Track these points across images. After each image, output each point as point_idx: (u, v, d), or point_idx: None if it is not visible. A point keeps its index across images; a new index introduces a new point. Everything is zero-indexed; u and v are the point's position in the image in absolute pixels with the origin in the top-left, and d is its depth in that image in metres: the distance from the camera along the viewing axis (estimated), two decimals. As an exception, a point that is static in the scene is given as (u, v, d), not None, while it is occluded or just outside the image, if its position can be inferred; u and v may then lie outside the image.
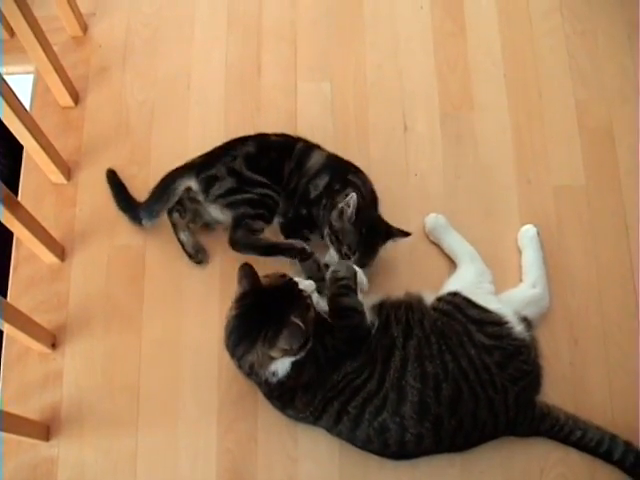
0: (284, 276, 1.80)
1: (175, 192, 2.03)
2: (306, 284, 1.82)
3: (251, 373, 1.80)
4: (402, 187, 2.20)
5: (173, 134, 2.26)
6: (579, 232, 2.15)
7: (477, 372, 1.81)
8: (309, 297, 1.79)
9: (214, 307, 2.04)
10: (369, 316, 1.86)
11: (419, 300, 1.93)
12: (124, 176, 2.19)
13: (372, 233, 1.96)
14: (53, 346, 2.04)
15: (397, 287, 2.00)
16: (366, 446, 1.85)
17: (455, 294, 1.93)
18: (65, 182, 2.20)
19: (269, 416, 1.94)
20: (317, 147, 2.10)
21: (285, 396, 1.84)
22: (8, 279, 2.12)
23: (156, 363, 2.02)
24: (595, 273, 2.11)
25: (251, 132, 2.22)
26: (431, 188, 2.19)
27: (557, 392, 1.97)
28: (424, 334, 1.84)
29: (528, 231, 2.08)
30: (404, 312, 1.89)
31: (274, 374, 1.78)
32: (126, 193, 2.13)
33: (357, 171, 2.08)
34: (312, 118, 2.27)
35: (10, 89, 1.86)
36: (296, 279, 1.80)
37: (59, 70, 2.19)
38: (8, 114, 1.88)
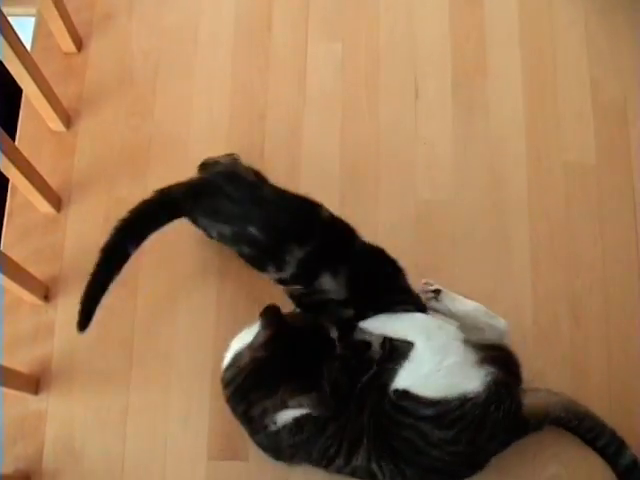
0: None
1: None
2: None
3: (254, 419, 1.72)
4: (410, 154, 2.15)
5: (178, 87, 2.20)
6: (587, 210, 2.12)
7: (446, 462, 1.66)
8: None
9: (212, 267, 2.01)
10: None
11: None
12: (125, 128, 2.14)
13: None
14: (46, 298, 1.99)
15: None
16: None
17: (404, 394, 1.64)
18: (64, 130, 2.14)
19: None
20: None
21: (271, 446, 1.78)
22: (2, 227, 2.06)
23: (151, 321, 1.98)
24: (600, 253, 2.08)
25: (257, 89, 2.20)
26: (440, 157, 2.14)
27: (556, 371, 1.95)
28: (380, 438, 1.68)
29: None
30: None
31: (275, 423, 1.69)
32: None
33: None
34: (321, 79, 2.21)
35: (12, 29, 1.79)
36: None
37: (63, 14, 2.11)
38: (9, 55, 1.81)
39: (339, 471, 1.74)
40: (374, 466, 1.68)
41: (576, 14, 2.32)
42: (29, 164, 1.91)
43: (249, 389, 1.70)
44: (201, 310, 1.99)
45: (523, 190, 2.12)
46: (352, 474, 1.74)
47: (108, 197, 2.07)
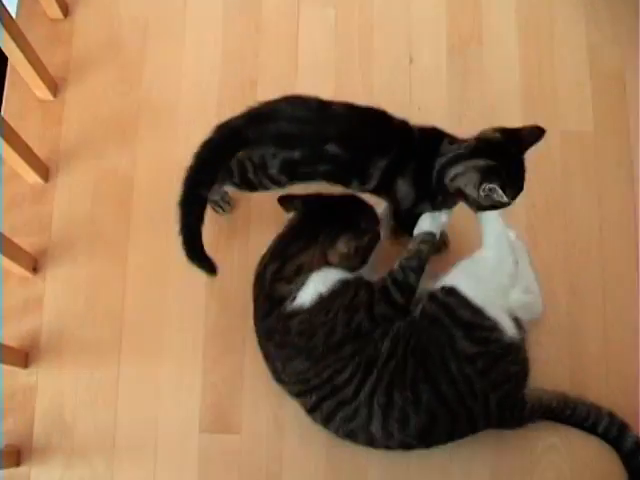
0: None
1: None
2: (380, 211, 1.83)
3: (282, 283, 1.73)
4: (405, 120, 2.12)
5: (167, 53, 2.16)
6: (584, 179, 2.09)
7: (457, 389, 1.68)
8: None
9: (203, 235, 1.96)
10: None
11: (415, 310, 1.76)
12: (113, 95, 2.11)
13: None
14: (34, 270, 1.97)
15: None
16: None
17: (451, 291, 1.72)
18: (52, 98, 2.10)
19: (256, 352, 1.87)
20: None
21: (276, 335, 1.76)
22: (-11, 199, 2.03)
23: (141, 292, 1.97)
24: (597, 222, 2.06)
25: (248, 54, 2.16)
26: (434, 123, 2.08)
27: (552, 342, 1.93)
28: (404, 355, 1.69)
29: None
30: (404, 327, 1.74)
31: (295, 298, 1.71)
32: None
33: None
34: (314, 44, 2.17)
35: (-5, -6, 1.76)
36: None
37: (48, -22, 2.07)
38: (-6, 22, 1.78)
39: (332, 414, 1.72)
40: (380, 400, 1.68)
41: (575, -23, 2.27)
42: (16, 134, 1.88)
43: (286, 245, 1.77)
44: (192, 280, 1.94)
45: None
46: (347, 420, 1.72)
47: (96, 166, 2.04)
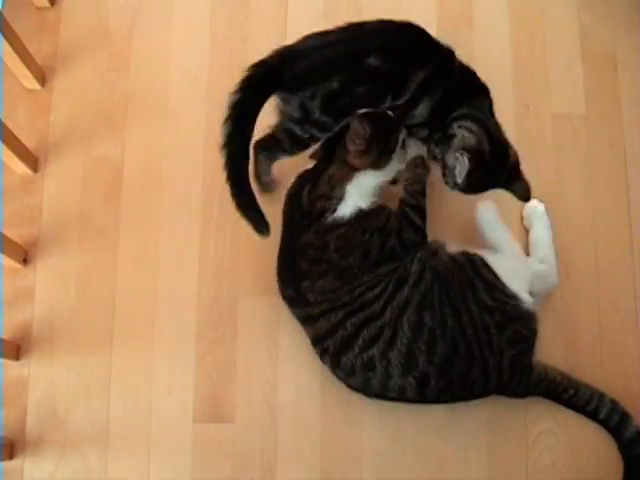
0: None
1: None
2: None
3: (319, 199, 1.80)
4: (394, 107, 2.10)
5: (155, 40, 2.15)
6: (576, 162, 2.09)
7: (476, 330, 1.73)
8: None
9: (194, 224, 1.98)
10: None
11: (441, 247, 1.84)
12: (102, 84, 2.09)
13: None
14: (24, 262, 1.96)
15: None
16: (348, 379, 1.79)
17: (480, 259, 1.81)
18: (39, 88, 2.08)
19: (249, 340, 1.91)
20: None
21: (313, 250, 1.79)
22: (-23, 191, 2.01)
23: (132, 282, 1.96)
24: (591, 205, 2.06)
25: (237, 40, 2.14)
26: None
27: (546, 326, 1.90)
28: (432, 281, 1.75)
29: (536, 208, 1.99)
30: (428, 254, 1.81)
31: (336, 210, 1.78)
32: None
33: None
34: (303, 29, 2.10)
35: (-21, -17, 1.73)
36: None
37: (34, -33, 2.05)
38: (-22, 12, 1.76)
39: (354, 335, 1.73)
40: (412, 319, 1.71)
41: (566, -41, 2.25)
42: (3, 124, 1.86)
43: (315, 167, 1.86)
44: (184, 270, 1.96)
45: (511, 141, 2.05)
46: (369, 343, 1.72)
47: (86, 155, 2.03)
